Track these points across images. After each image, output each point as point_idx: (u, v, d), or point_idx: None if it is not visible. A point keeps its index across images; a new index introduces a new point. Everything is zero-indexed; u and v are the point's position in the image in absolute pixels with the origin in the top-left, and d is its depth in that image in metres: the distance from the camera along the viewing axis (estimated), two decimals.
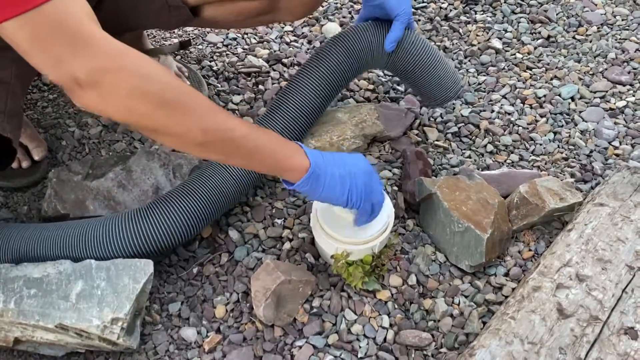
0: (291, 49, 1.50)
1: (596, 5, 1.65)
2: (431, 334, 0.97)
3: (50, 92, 1.36)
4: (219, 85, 1.39)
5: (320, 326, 0.97)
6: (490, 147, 1.27)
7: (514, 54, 1.50)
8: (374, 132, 1.22)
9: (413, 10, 1.61)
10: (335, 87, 1.15)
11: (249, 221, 1.12)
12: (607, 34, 1.56)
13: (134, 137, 1.27)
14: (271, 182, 1.18)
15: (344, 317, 0.98)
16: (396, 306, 1.00)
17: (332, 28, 1.55)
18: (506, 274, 1.05)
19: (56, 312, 0.88)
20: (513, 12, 1.62)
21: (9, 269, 0.93)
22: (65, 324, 0.87)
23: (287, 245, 1.07)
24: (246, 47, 1.50)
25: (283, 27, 1.56)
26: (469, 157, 1.25)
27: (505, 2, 1.64)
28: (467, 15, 1.62)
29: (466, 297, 1.02)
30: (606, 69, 1.45)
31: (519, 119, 1.34)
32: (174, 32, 1.54)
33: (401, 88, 1.39)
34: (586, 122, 1.33)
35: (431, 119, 1.32)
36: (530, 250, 1.08)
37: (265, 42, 1.51)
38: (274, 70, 1.43)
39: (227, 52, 1.48)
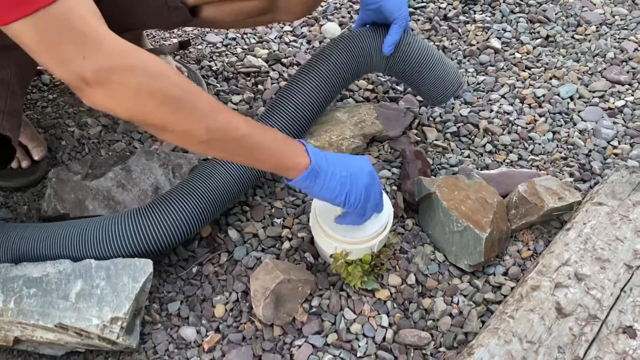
0: (290, 48, 1.50)
1: (595, 5, 1.66)
2: (430, 333, 0.97)
3: (50, 92, 1.37)
4: (219, 85, 1.39)
5: (320, 325, 0.97)
6: (489, 147, 1.27)
7: (513, 54, 1.51)
8: (373, 131, 1.22)
9: (412, 10, 1.61)
10: (334, 89, 1.15)
11: (249, 221, 1.12)
12: (605, 33, 1.56)
13: (133, 137, 1.27)
14: (270, 181, 1.18)
15: (343, 316, 0.98)
16: (395, 305, 1.00)
17: (332, 28, 1.55)
18: (505, 273, 1.05)
19: (56, 311, 0.88)
20: (512, 11, 1.63)
21: (9, 269, 0.93)
22: (65, 323, 0.87)
23: (286, 245, 1.08)
24: (245, 47, 1.50)
25: (282, 27, 1.56)
26: (468, 156, 1.25)
27: (504, 2, 1.65)
28: (466, 15, 1.62)
29: (465, 296, 1.02)
30: (605, 69, 1.46)
31: (518, 118, 1.34)
32: (173, 32, 1.54)
33: (400, 88, 1.39)
34: (585, 121, 1.33)
35: (430, 118, 1.32)
36: (529, 249, 1.09)
37: (264, 42, 1.51)
38: (273, 70, 1.43)
39: (227, 52, 1.49)
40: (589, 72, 1.46)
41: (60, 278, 0.91)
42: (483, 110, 1.35)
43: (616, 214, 1.03)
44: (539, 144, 1.28)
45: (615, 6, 1.65)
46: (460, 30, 1.57)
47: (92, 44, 0.69)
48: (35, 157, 1.18)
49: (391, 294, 1.02)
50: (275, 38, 1.53)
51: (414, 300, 1.01)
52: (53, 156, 1.23)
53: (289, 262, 1.04)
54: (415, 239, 1.10)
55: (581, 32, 1.57)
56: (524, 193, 1.08)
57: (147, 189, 1.10)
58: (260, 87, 1.39)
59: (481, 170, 1.21)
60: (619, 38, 1.55)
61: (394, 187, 1.17)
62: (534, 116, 1.35)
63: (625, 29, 1.58)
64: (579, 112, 1.35)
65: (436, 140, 1.28)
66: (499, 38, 1.54)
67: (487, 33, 1.56)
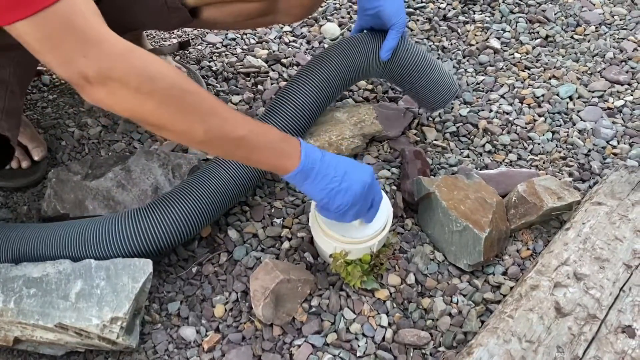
0: (290, 49, 1.50)
1: (594, 5, 1.66)
2: (430, 333, 0.97)
3: (49, 93, 1.37)
4: (218, 86, 1.39)
5: (319, 325, 0.97)
6: (488, 147, 1.27)
7: (513, 54, 1.51)
8: (372, 131, 1.23)
9: (412, 10, 1.61)
10: (332, 91, 1.15)
11: (248, 221, 1.12)
12: (605, 33, 1.57)
13: (133, 137, 1.27)
14: (270, 182, 1.18)
15: (343, 316, 0.98)
16: (395, 305, 1.00)
17: (331, 28, 1.55)
18: (504, 273, 1.05)
19: (56, 311, 0.88)
20: (511, 12, 1.63)
21: (9, 269, 0.93)
22: (65, 323, 0.87)
23: (286, 245, 1.08)
24: (245, 47, 1.50)
25: (282, 28, 1.56)
26: (468, 156, 1.25)
27: (503, 2, 1.65)
28: (466, 15, 1.62)
29: (464, 296, 1.02)
30: (604, 69, 1.46)
31: (517, 118, 1.34)
32: (173, 32, 1.54)
33: (400, 88, 1.39)
34: (584, 121, 1.33)
35: (430, 118, 1.33)
36: (528, 249, 1.09)
37: (264, 43, 1.52)
38: (273, 70, 1.43)
39: (226, 53, 1.49)
40: (588, 72, 1.46)
41: (60, 278, 0.92)
42: (482, 110, 1.35)
43: (615, 214, 1.03)
44: (538, 144, 1.28)
45: (614, 6, 1.65)
46: (459, 31, 1.57)
47: (94, 44, 0.70)
48: (35, 158, 1.18)
49: (390, 293, 1.02)
50: (274, 38, 1.53)
51: (413, 300, 1.01)
52: (53, 156, 1.23)
53: (289, 262, 1.04)
54: (414, 238, 1.10)
55: (580, 32, 1.57)
56: (523, 193, 1.09)
57: (147, 189, 1.10)
58: (260, 87, 1.39)
59: (480, 170, 1.21)
60: (618, 38, 1.55)
61: (394, 187, 1.17)
62: (534, 116, 1.35)
63: (625, 29, 1.58)
64: (578, 112, 1.36)
65: (435, 140, 1.28)
66: (499, 38, 1.55)
67: (486, 33, 1.56)
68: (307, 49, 1.51)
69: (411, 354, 0.95)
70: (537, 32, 1.56)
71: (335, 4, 1.64)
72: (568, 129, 1.32)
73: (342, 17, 1.60)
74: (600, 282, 0.93)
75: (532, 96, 1.39)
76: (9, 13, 0.66)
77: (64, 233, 0.96)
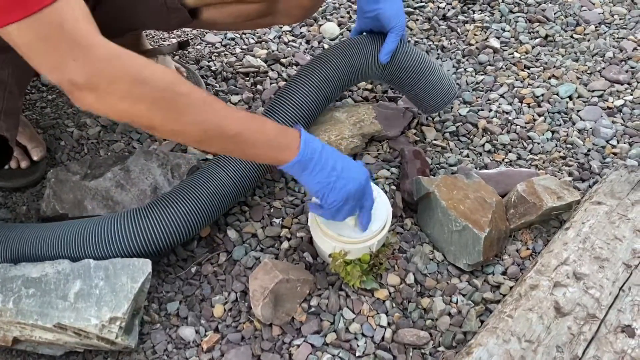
0: (289, 48, 1.50)
1: (594, 4, 1.66)
2: (429, 333, 0.97)
3: (49, 93, 1.37)
4: (218, 86, 1.39)
5: (319, 325, 0.97)
6: (488, 146, 1.27)
7: (512, 53, 1.51)
8: (372, 131, 1.23)
9: (411, 10, 1.61)
10: (332, 91, 1.15)
11: (247, 221, 1.12)
12: (604, 33, 1.56)
13: (132, 137, 1.27)
14: (270, 181, 1.18)
15: (342, 316, 0.98)
16: (394, 305, 1.00)
17: (330, 28, 1.55)
18: (504, 273, 1.05)
19: (55, 311, 0.88)
20: (511, 11, 1.63)
21: (8, 269, 0.93)
22: (64, 323, 0.87)
23: (285, 245, 1.08)
24: (244, 47, 1.50)
25: (281, 28, 1.56)
26: (467, 156, 1.25)
27: (503, 2, 1.65)
28: (465, 14, 1.62)
29: (464, 295, 1.02)
30: (604, 68, 1.46)
31: (517, 118, 1.34)
32: (172, 32, 1.54)
33: (399, 90, 1.39)
34: (584, 121, 1.33)
35: (429, 118, 1.32)
36: (528, 249, 1.09)
37: (263, 42, 1.51)
38: (272, 70, 1.43)
39: (226, 52, 1.49)
40: (588, 71, 1.46)
41: (59, 278, 0.91)
42: (482, 110, 1.35)
43: (615, 213, 1.03)
44: (538, 144, 1.28)
45: (614, 5, 1.65)
46: (459, 30, 1.57)
47: (83, 49, 0.70)
48: (35, 158, 1.18)
49: (390, 293, 1.02)
50: (274, 38, 1.53)
51: (412, 300, 1.01)
52: (52, 156, 1.23)
53: (288, 262, 1.04)
54: (414, 238, 1.10)
55: (580, 31, 1.57)
56: (523, 192, 1.08)
57: (146, 189, 1.10)
58: (259, 87, 1.39)
59: (480, 169, 1.21)
60: (617, 37, 1.55)
61: (393, 187, 1.17)
62: (533, 115, 1.35)
63: (624, 29, 1.58)
64: (578, 111, 1.35)
65: (435, 139, 1.28)
66: (498, 38, 1.54)
67: (486, 33, 1.56)
68: (306, 49, 1.51)
69: (410, 354, 0.95)
70: (537, 32, 1.56)
71: (335, 3, 1.64)
72: (568, 128, 1.32)
73: (342, 17, 1.60)
74: (600, 281, 0.93)
75: (532, 96, 1.39)
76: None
77: (63, 233, 0.96)
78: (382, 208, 0.99)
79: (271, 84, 1.39)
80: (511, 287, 1.01)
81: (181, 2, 1.06)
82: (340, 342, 0.95)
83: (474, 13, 1.62)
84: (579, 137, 1.29)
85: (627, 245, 0.98)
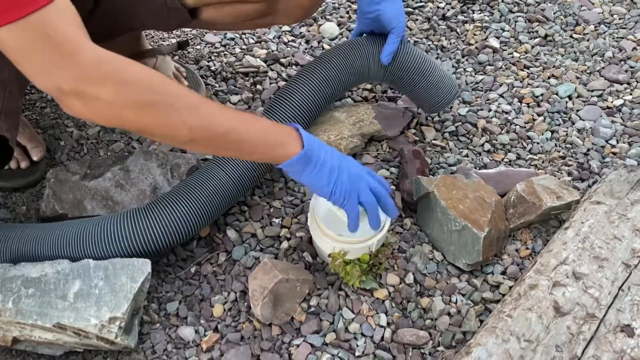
0: (289, 48, 1.50)
1: (593, 4, 1.66)
2: (428, 333, 0.97)
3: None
4: (217, 85, 1.39)
5: (318, 325, 0.97)
6: (487, 146, 1.27)
7: (512, 53, 1.51)
8: (371, 131, 1.23)
9: (411, 9, 1.61)
10: (332, 92, 1.16)
11: (247, 220, 1.12)
12: (604, 32, 1.56)
13: (132, 137, 1.27)
14: (269, 181, 1.18)
15: (342, 315, 0.98)
16: (393, 305, 1.00)
17: (330, 28, 1.55)
18: (503, 272, 1.05)
19: (54, 311, 0.88)
20: (510, 11, 1.63)
21: (7, 269, 0.93)
22: (63, 323, 0.87)
23: (284, 245, 1.08)
24: (244, 47, 1.50)
25: (281, 27, 1.56)
26: (467, 156, 1.25)
27: (502, 2, 1.65)
28: (465, 14, 1.62)
29: (463, 295, 1.02)
30: (603, 68, 1.46)
31: (517, 117, 1.34)
32: (172, 32, 1.54)
33: (400, 91, 1.39)
34: (583, 120, 1.33)
35: (429, 118, 1.33)
36: (527, 248, 1.09)
37: (263, 42, 1.51)
38: (272, 70, 1.43)
39: (225, 52, 1.49)
40: (588, 71, 1.46)
41: (58, 278, 0.92)
42: (481, 110, 1.35)
43: (614, 213, 1.03)
44: (538, 143, 1.28)
45: (613, 5, 1.65)
46: (458, 30, 1.57)
47: (69, 55, 0.69)
48: (34, 158, 1.18)
49: (389, 293, 1.02)
50: (273, 38, 1.53)
51: (412, 300, 1.01)
52: (52, 156, 1.23)
53: (288, 262, 1.04)
54: (413, 238, 1.10)
55: (580, 31, 1.57)
56: (522, 192, 1.09)
57: (146, 189, 1.10)
58: (258, 87, 1.39)
59: (479, 169, 1.21)
60: (617, 37, 1.55)
61: (393, 187, 1.17)
62: (533, 115, 1.35)
63: (624, 28, 1.58)
64: (578, 111, 1.35)
65: (434, 139, 1.28)
66: (498, 37, 1.55)
67: (485, 32, 1.56)
68: (305, 49, 1.51)
69: (410, 354, 0.95)
70: (536, 32, 1.56)
71: (334, 3, 1.64)
72: (567, 128, 1.32)
73: (341, 17, 1.60)
74: (599, 281, 0.93)
75: (531, 95, 1.39)
76: None
77: (62, 233, 0.96)
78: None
79: (271, 84, 1.39)
80: (510, 287, 1.01)
81: (181, 2, 1.06)
82: (340, 342, 0.95)
83: (473, 13, 1.62)
84: (578, 137, 1.29)
85: (627, 244, 0.98)
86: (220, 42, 1.51)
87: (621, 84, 1.42)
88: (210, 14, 1.10)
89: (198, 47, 1.50)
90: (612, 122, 1.32)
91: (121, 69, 0.73)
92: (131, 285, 0.91)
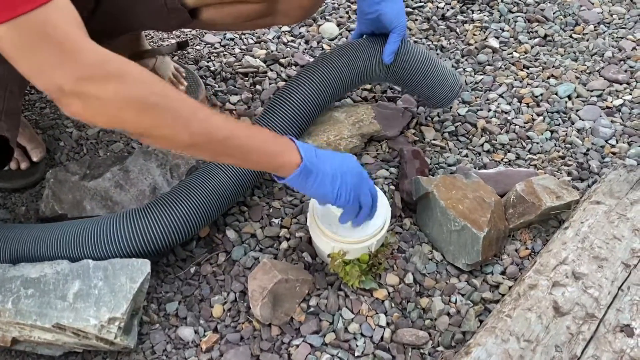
0: (288, 49, 1.50)
1: (593, 4, 1.66)
2: (428, 333, 0.97)
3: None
4: (217, 86, 1.39)
5: (318, 325, 0.97)
6: (487, 146, 1.27)
7: (511, 53, 1.51)
8: (371, 131, 1.23)
9: (410, 10, 1.61)
10: (333, 92, 1.16)
11: (247, 221, 1.12)
12: (603, 32, 1.56)
13: (131, 138, 1.27)
14: (269, 181, 1.18)
15: (341, 316, 0.98)
16: (393, 305, 1.00)
17: (329, 28, 1.55)
18: (503, 272, 1.05)
19: (53, 312, 0.88)
20: (510, 11, 1.63)
21: (7, 269, 0.93)
22: (63, 323, 0.87)
23: (284, 245, 1.08)
24: (243, 47, 1.50)
25: (280, 28, 1.56)
26: (466, 156, 1.25)
27: (502, 2, 1.65)
28: (464, 14, 1.62)
29: (463, 295, 1.02)
30: (603, 68, 1.46)
31: (516, 117, 1.34)
32: (171, 32, 1.54)
33: (398, 88, 1.39)
34: (583, 120, 1.33)
35: (428, 118, 1.32)
36: (527, 248, 1.09)
37: (262, 42, 1.51)
38: (272, 70, 1.43)
39: (225, 53, 1.49)
40: (587, 71, 1.46)
41: (58, 278, 0.92)
42: (481, 110, 1.35)
43: (614, 213, 1.03)
44: (537, 143, 1.28)
45: (613, 5, 1.65)
46: (458, 30, 1.57)
47: (69, 54, 0.68)
48: (34, 159, 1.18)
49: (389, 293, 1.02)
50: (273, 38, 1.53)
51: (411, 300, 1.01)
52: (51, 157, 1.23)
53: (287, 262, 1.04)
54: (413, 238, 1.10)
55: (579, 31, 1.57)
56: (522, 192, 1.08)
57: (145, 190, 1.10)
58: (258, 87, 1.39)
59: (479, 169, 1.21)
60: (617, 37, 1.55)
61: (392, 187, 1.17)
62: (532, 115, 1.35)
63: (623, 28, 1.58)
64: (577, 111, 1.35)
65: (434, 139, 1.28)
66: (497, 37, 1.55)
67: (485, 32, 1.56)
68: (305, 49, 1.51)
69: (409, 354, 0.95)
70: (536, 32, 1.56)
71: (334, 3, 1.64)
72: (567, 128, 1.32)
73: (341, 17, 1.60)
74: (599, 281, 0.93)
75: (531, 95, 1.39)
76: None
77: (61, 233, 0.96)
78: (381, 208, 0.98)
79: (270, 84, 1.39)
80: (510, 287, 1.01)
81: (181, 3, 1.06)
82: (339, 342, 0.95)
83: (473, 13, 1.62)
84: (578, 137, 1.29)
85: (626, 244, 0.98)
86: (219, 43, 1.51)
87: (621, 84, 1.42)
88: (210, 15, 1.10)
89: (197, 47, 1.50)
90: (612, 122, 1.32)
91: (123, 70, 0.73)
92: (130, 286, 0.91)
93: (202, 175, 1.03)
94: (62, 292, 0.90)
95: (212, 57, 1.47)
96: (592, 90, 1.40)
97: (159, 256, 1.04)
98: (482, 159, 1.25)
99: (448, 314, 0.99)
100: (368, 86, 1.39)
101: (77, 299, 0.89)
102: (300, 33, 1.56)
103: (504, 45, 1.53)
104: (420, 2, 1.64)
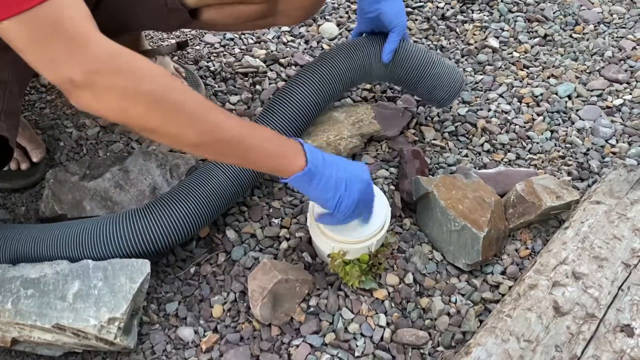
0: (288, 49, 1.50)
1: (593, 3, 1.66)
2: (428, 333, 0.97)
3: (48, 94, 1.37)
4: (217, 86, 1.39)
5: (317, 325, 0.97)
6: (487, 146, 1.27)
7: (511, 53, 1.50)
8: (371, 131, 1.22)
9: (410, 9, 1.61)
10: (332, 92, 1.16)
11: (246, 221, 1.12)
12: (603, 32, 1.56)
13: (131, 138, 1.27)
14: (268, 182, 1.18)
15: (341, 316, 0.98)
16: (393, 305, 1.00)
17: (329, 28, 1.55)
18: (503, 272, 1.05)
19: (53, 312, 0.88)
20: (510, 11, 1.63)
21: (7, 270, 0.93)
22: (63, 324, 0.87)
23: (284, 245, 1.08)
24: (243, 47, 1.50)
25: (280, 28, 1.56)
26: (466, 156, 1.25)
27: (502, 1, 1.65)
28: (464, 14, 1.62)
29: (463, 295, 1.02)
30: (603, 67, 1.46)
31: (516, 117, 1.34)
32: (171, 32, 1.54)
33: (398, 87, 1.39)
34: (583, 120, 1.33)
35: (428, 118, 1.32)
36: (527, 248, 1.08)
37: (262, 42, 1.51)
38: (271, 70, 1.43)
39: (225, 53, 1.49)
40: (587, 70, 1.45)
41: (57, 279, 0.91)
42: (481, 110, 1.35)
43: (614, 213, 1.03)
44: (537, 143, 1.28)
45: (613, 5, 1.65)
46: (458, 30, 1.57)
47: (81, 46, 0.68)
48: (34, 159, 1.18)
49: (389, 293, 1.01)
50: (273, 38, 1.53)
51: (411, 300, 1.01)
52: (51, 157, 1.23)
53: (287, 262, 1.04)
54: (413, 238, 1.10)
55: (579, 30, 1.57)
56: (522, 192, 1.08)
57: (145, 190, 1.10)
58: (258, 87, 1.39)
59: (479, 169, 1.21)
60: (617, 37, 1.55)
61: (392, 187, 1.17)
62: (532, 115, 1.35)
63: (624, 28, 1.58)
64: (577, 110, 1.35)
65: (434, 139, 1.28)
66: (497, 37, 1.54)
67: (485, 32, 1.56)
68: (305, 49, 1.51)
69: (409, 354, 0.95)
70: (536, 31, 1.56)
71: (334, 3, 1.64)
72: (567, 128, 1.32)
73: (341, 17, 1.60)
74: (599, 281, 0.93)
75: (531, 95, 1.39)
76: None
77: (61, 234, 0.96)
78: (380, 208, 0.98)
79: (270, 84, 1.39)
80: (510, 287, 1.01)
81: (181, 3, 1.06)
82: (339, 342, 0.95)
83: (472, 13, 1.62)
84: (578, 137, 1.29)
85: (626, 244, 0.98)
86: (219, 43, 1.51)
87: (621, 84, 1.42)
88: (210, 15, 1.10)
89: (197, 47, 1.50)
90: (612, 121, 1.32)
91: (135, 63, 0.72)
92: (130, 286, 0.91)
93: (201, 176, 1.03)
94: (61, 293, 0.90)
95: (212, 57, 1.47)
96: (592, 90, 1.40)
97: (158, 256, 1.04)
98: (482, 159, 1.25)
99: (448, 314, 0.99)
100: (368, 86, 1.39)
101: (76, 299, 0.89)
102: (300, 33, 1.55)
103: (504, 45, 1.53)
104: (420, 2, 1.64)
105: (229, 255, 1.07)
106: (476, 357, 0.84)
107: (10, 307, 0.89)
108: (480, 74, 1.45)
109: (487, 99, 1.38)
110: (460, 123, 1.31)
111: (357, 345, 0.95)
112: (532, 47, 1.52)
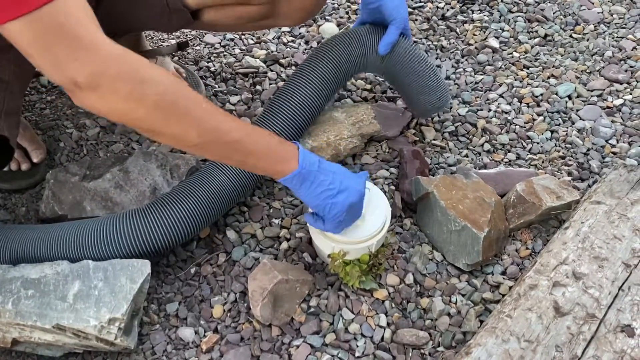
0: (288, 49, 1.50)
1: (593, 3, 1.66)
2: (428, 333, 0.97)
3: (48, 94, 1.37)
4: (217, 86, 1.39)
5: (318, 325, 0.97)
6: (487, 146, 1.27)
7: (511, 53, 1.50)
8: (371, 131, 1.22)
9: (410, 10, 1.61)
10: (331, 88, 1.15)
11: (247, 221, 1.12)
12: (604, 32, 1.56)
13: (131, 139, 1.27)
14: (269, 182, 1.18)
15: (341, 316, 0.98)
16: (393, 305, 1.00)
17: (329, 28, 1.55)
18: (503, 273, 1.05)
19: (54, 312, 0.88)
20: (510, 11, 1.63)
21: (7, 270, 0.93)
22: (63, 324, 0.87)
23: (284, 245, 1.08)
24: (243, 47, 1.50)
25: (280, 28, 1.56)
26: (466, 156, 1.25)
27: (502, 1, 1.65)
28: (464, 14, 1.62)
29: (463, 295, 1.02)
30: (603, 68, 1.45)
31: (516, 117, 1.34)
32: (171, 33, 1.54)
33: (393, 87, 1.39)
34: (583, 120, 1.33)
35: (428, 118, 1.32)
36: (527, 248, 1.08)
37: (262, 43, 1.51)
38: (272, 70, 1.43)
39: (225, 53, 1.49)
40: (587, 71, 1.45)
41: (58, 279, 0.92)
42: (481, 110, 1.35)
43: (614, 213, 1.03)
44: (537, 143, 1.28)
45: (613, 5, 1.65)
46: (458, 30, 1.57)
47: (86, 48, 0.69)
48: (35, 160, 1.18)
49: (389, 293, 1.01)
50: (273, 39, 1.53)
51: (412, 300, 1.01)
52: (51, 157, 1.23)
53: (287, 263, 1.04)
54: (413, 238, 1.10)
55: (579, 31, 1.57)
56: (522, 192, 1.08)
57: (145, 190, 1.10)
58: (258, 87, 1.39)
59: (479, 169, 1.21)
60: (617, 37, 1.55)
61: (392, 187, 1.17)
62: (532, 115, 1.35)
63: (624, 28, 1.58)
64: (577, 111, 1.35)
65: (434, 139, 1.28)
66: (497, 37, 1.54)
67: (485, 32, 1.56)
68: (305, 49, 1.51)
69: (410, 354, 0.95)
70: (536, 31, 1.56)
71: (334, 4, 1.64)
72: (567, 128, 1.32)
73: (341, 17, 1.60)
74: (599, 281, 0.93)
75: (531, 95, 1.39)
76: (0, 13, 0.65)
77: (61, 234, 0.96)
78: (381, 208, 0.98)
79: (270, 84, 1.39)
80: (510, 287, 1.01)
81: (183, 4, 1.06)
82: (340, 343, 0.95)
83: (472, 13, 1.62)
84: (578, 137, 1.29)
85: (627, 244, 0.98)
86: (219, 43, 1.51)
87: (621, 84, 1.42)
88: (211, 16, 1.10)
89: (197, 48, 1.50)
90: (612, 121, 1.32)
91: (140, 65, 0.73)
92: (131, 286, 0.91)
93: (202, 176, 1.03)
94: (62, 293, 0.90)
95: (212, 58, 1.47)
96: (592, 90, 1.40)
97: (159, 257, 1.04)
98: (482, 159, 1.25)
99: (448, 314, 0.99)
100: (368, 86, 1.39)
101: (77, 299, 0.89)
102: (300, 33, 1.56)
103: (504, 45, 1.53)
104: (420, 2, 1.64)
105: (230, 255, 1.07)
106: (476, 357, 0.84)
107: (10, 308, 0.89)
108: (481, 74, 1.45)
109: (487, 99, 1.38)
110: (460, 123, 1.31)
111: (357, 346, 0.95)
112: (532, 47, 1.52)
